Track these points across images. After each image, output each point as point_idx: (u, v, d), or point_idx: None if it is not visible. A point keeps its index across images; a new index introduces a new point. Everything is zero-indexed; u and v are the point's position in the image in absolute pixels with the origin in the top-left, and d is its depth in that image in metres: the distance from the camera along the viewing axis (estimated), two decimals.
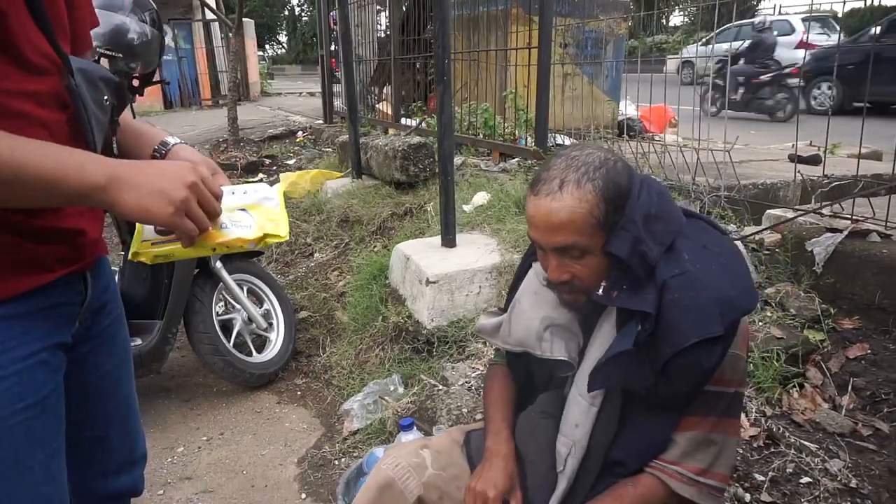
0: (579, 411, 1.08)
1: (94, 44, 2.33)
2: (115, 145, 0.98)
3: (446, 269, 2.60)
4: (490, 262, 2.67)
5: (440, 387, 2.28)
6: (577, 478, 1.08)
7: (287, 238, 1.10)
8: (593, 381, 1.04)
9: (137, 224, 1.04)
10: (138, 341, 2.46)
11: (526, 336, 1.14)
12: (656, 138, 5.65)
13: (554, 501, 1.09)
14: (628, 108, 5.76)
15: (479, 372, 2.31)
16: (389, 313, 2.72)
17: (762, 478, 1.68)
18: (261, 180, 5.61)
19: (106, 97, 0.89)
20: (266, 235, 1.06)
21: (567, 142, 4.15)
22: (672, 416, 1.03)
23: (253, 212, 1.06)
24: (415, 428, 1.69)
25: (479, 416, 2.07)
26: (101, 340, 0.99)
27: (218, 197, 0.88)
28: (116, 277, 2.56)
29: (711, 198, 2.99)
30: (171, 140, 1.04)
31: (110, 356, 1.02)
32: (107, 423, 1.04)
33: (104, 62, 2.32)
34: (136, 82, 2.48)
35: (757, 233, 2.60)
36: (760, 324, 2.19)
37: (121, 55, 2.31)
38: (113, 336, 1.02)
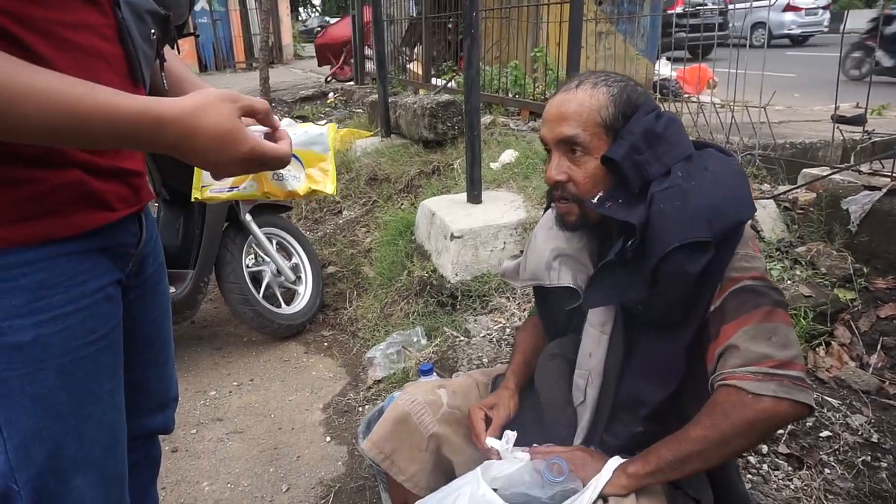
0: (591, 340, 1.09)
1: None
2: (163, 81, 0.98)
3: (471, 225, 2.61)
4: (515, 218, 2.67)
5: (462, 338, 2.32)
6: (597, 408, 1.09)
7: (335, 195, 1.15)
8: (590, 298, 1.06)
9: (196, 168, 1.16)
10: (172, 290, 2.54)
11: (537, 267, 1.17)
12: (693, 99, 5.51)
13: (580, 433, 1.10)
14: (664, 68, 5.59)
15: (500, 325, 2.33)
16: (415, 268, 2.75)
17: (781, 431, 1.68)
18: None
19: (153, 31, 0.88)
20: (313, 192, 1.12)
21: None
22: (678, 338, 1.01)
23: (302, 157, 1.10)
24: (434, 374, 1.72)
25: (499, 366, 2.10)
26: (147, 287, 1.01)
27: (285, 163, 0.87)
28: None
29: (745, 156, 2.92)
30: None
31: (154, 302, 1.04)
32: (147, 366, 1.07)
33: None
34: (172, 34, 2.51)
35: (789, 191, 2.54)
36: (789, 282, 2.15)
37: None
38: (157, 283, 1.05)
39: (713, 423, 0.93)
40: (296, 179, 1.08)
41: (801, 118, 4.61)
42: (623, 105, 1.02)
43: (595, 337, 1.09)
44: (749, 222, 1.02)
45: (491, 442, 1.10)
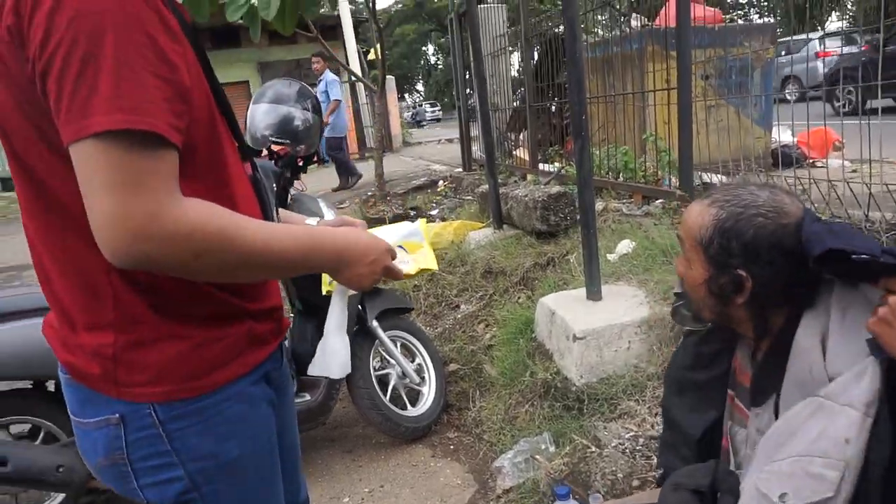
0: (849, 423, 0.94)
1: (266, 133, 2.66)
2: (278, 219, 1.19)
3: (593, 324, 2.58)
4: (639, 316, 2.60)
5: (593, 448, 2.25)
6: None
7: (437, 269, 1.47)
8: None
9: None
10: (307, 397, 2.69)
11: None
12: (818, 164, 5.19)
13: None
14: (783, 135, 5.35)
15: (632, 433, 2.24)
16: (537, 369, 2.74)
17: None
18: None
19: (274, 185, 1.11)
20: (421, 270, 1.61)
21: (716, 180, 3.95)
22: None
23: (407, 247, 1.38)
24: (571, 497, 1.69)
25: (635, 483, 2.01)
26: (278, 393, 1.11)
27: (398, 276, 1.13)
28: (287, 340, 2.83)
29: (892, 237, 2.70)
30: (312, 222, 1.27)
31: (283, 408, 1.13)
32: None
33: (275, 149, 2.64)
34: (300, 162, 2.78)
35: None
36: None
37: (289, 141, 2.61)
38: (285, 388, 1.15)
39: None
40: (406, 264, 1.41)
41: None
42: (725, 233, 1.08)
43: (856, 420, 0.94)
44: None
45: None
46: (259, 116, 2.59)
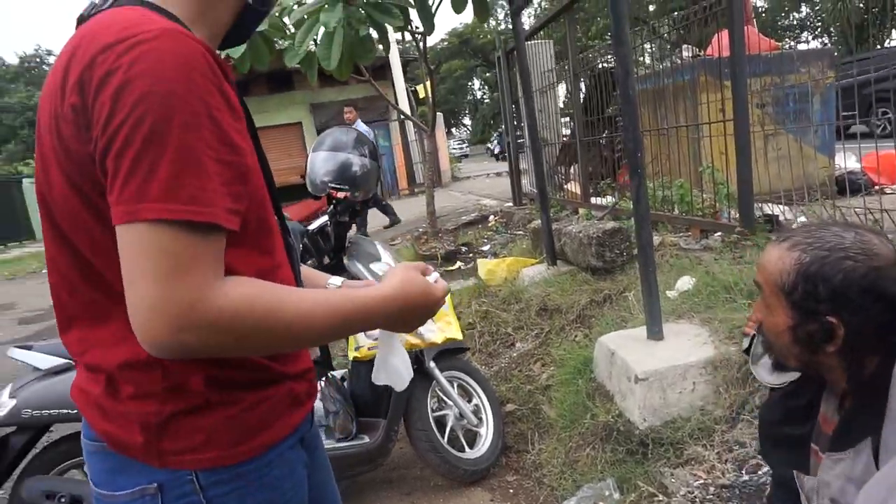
0: None
1: (326, 180, 2.73)
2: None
3: (655, 365, 2.51)
4: (703, 356, 2.52)
5: (660, 496, 2.17)
6: None
7: (462, 339, 1.48)
8: None
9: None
10: (366, 439, 2.69)
11: None
12: (887, 191, 4.95)
13: None
14: (849, 160, 5.15)
15: (701, 481, 2.15)
16: (598, 411, 2.67)
17: None
18: (458, 268, 5.95)
19: (300, 246, 1.12)
20: (447, 339, 1.66)
21: (777, 211, 3.83)
22: None
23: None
24: None
25: None
26: (309, 451, 1.09)
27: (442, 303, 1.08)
28: (346, 382, 2.86)
29: None
30: (336, 282, 1.22)
31: (315, 464, 1.11)
32: None
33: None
34: (358, 206, 2.85)
35: None
36: None
37: (347, 187, 2.68)
38: (316, 447, 1.13)
39: None
40: (431, 332, 1.55)
41: None
42: (810, 278, 1.03)
43: None
44: None
45: None
46: (319, 164, 2.67)
